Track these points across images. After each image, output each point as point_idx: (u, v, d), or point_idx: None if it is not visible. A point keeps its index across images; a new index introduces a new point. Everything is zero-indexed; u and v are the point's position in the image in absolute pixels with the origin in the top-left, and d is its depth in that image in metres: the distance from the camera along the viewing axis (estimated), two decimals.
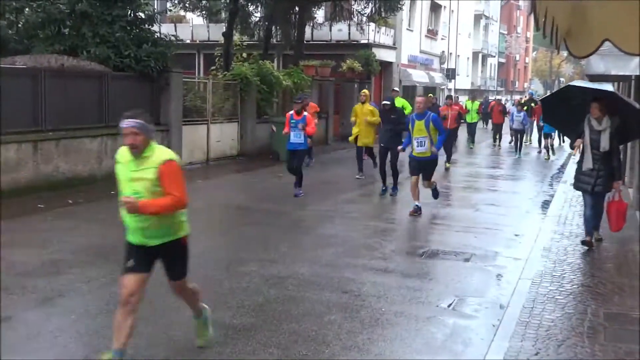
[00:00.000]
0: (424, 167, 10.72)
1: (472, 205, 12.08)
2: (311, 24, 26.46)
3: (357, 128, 14.59)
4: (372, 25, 29.38)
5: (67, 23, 14.13)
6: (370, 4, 25.74)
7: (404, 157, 12.17)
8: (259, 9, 25.05)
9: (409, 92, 33.17)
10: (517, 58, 75.12)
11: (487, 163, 20.36)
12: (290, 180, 12.33)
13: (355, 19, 26.74)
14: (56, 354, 4.93)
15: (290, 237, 9.08)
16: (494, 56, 64.21)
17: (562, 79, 68.08)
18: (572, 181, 8.79)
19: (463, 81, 50.42)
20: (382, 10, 25.90)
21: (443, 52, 43.56)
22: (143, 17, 15.16)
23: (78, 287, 6.47)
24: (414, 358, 5.04)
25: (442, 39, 43.58)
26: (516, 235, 9.51)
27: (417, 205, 10.65)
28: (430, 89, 34.91)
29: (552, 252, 8.19)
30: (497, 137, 25.58)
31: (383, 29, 31.52)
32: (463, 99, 29.57)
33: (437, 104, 23.46)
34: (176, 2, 25.94)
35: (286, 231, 9.45)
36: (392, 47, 33.35)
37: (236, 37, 23.86)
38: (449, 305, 6.24)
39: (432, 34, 41.16)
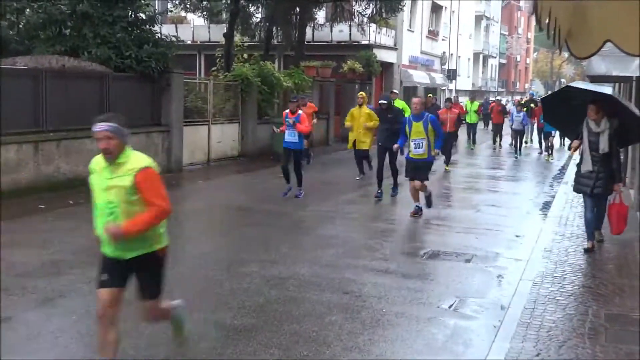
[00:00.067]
0: (419, 167, 10.47)
1: (472, 206, 12.06)
2: (312, 25, 26.44)
3: (353, 134, 14.08)
4: (373, 26, 29.39)
5: (68, 24, 14.11)
6: (371, 4, 25.71)
7: (403, 158, 12.10)
8: (260, 9, 25.07)
9: (409, 93, 33.16)
10: (518, 59, 75.15)
11: (487, 164, 20.33)
12: (291, 182, 12.27)
13: (356, 20, 26.76)
14: (57, 355, 4.93)
15: (291, 237, 9.08)
16: (495, 57, 64.21)
17: (563, 80, 68.10)
18: (573, 183, 8.79)
19: (464, 82, 50.41)
20: (383, 11, 25.87)
21: (444, 53, 43.56)
22: (144, 17, 15.17)
23: (79, 287, 6.46)
24: (415, 359, 5.04)
25: (443, 39, 43.60)
26: (517, 236, 9.50)
27: (417, 206, 10.62)
28: (431, 90, 34.89)
29: (553, 253, 8.19)
30: (498, 137, 25.56)
31: (384, 29, 31.54)
32: (463, 100, 29.51)
33: (437, 104, 23.43)
34: (177, 2, 25.94)
35: (287, 232, 9.45)
36: (393, 48, 33.37)
37: (237, 37, 23.86)
38: (449, 306, 6.23)
39: (433, 34, 41.18)
